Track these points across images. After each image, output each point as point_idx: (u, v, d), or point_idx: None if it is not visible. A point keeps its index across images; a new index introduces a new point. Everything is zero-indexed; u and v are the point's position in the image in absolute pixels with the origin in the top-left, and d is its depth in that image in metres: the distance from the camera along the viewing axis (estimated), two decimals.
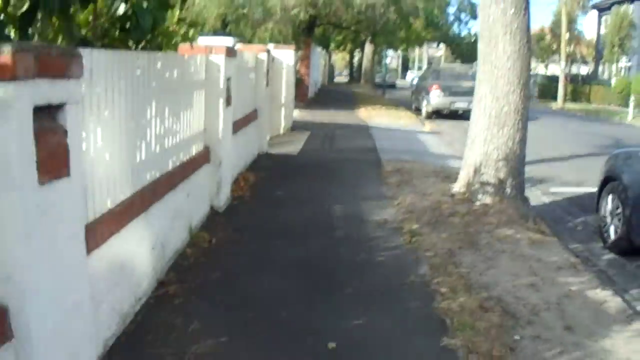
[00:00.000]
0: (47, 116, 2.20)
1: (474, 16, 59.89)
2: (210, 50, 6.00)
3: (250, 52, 9.78)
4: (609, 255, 6.74)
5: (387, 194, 8.04)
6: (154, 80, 4.28)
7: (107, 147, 3.37)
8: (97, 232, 3.05)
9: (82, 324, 2.62)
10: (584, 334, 4.12)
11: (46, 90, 2.17)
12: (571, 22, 49.46)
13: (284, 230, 6.19)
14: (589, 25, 51.79)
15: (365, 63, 45.70)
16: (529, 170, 8.71)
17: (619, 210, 6.64)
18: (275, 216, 6.75)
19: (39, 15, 2.95)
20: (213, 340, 3.67)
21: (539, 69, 55.02)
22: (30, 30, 3.01)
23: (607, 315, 4.50)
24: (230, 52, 6.46)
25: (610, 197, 6.97)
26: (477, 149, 7.50)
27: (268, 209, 7.02)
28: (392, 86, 49.44)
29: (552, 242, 6.35)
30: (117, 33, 4.14)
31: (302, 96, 20.71)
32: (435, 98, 21.51)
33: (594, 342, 3.99)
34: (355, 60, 62.61)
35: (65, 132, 2.31)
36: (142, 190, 4.00)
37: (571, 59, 48.77)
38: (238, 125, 7.76)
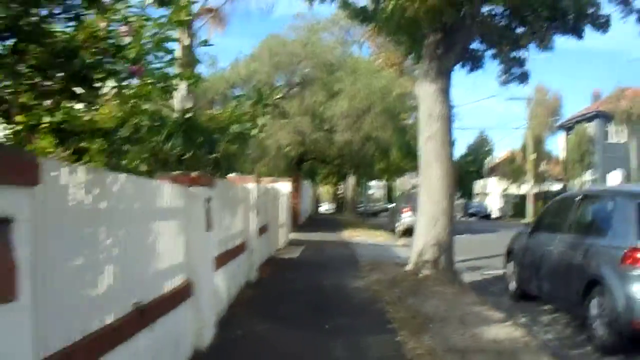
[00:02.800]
0: None
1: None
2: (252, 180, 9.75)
3: (262, 185, 13.52)
4: (508, 299, 10.20)
5: (361, 275, 11.57)
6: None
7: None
8: None
9: None
10: (472, 323, 7.55)
11: None
12: (540, 142, 54.51)
13: (296, 287, 9.77)
14: (559, 144, 56.49)
15: (349, 193, 49.80)
16: (475, 262, 12.24)
17: (512, 269, 10.19)
18: (289, 283, 10.32)
19: None
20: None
21: (511, 188, 59.28)
22: None
23: (490, 320, 7.91)
24: (257, 181, 10.24)
25: (510, 263, 10.51)
26: (420, 239, 11.19)
27: (282, 285, 10.54)
28: (375, 214, 53.06)
29: (468, 294, 9.84)
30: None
31: (295, 221, 24.39)
32: (407, 218, 24.78)
33: (475, 327, 7.40)
34: (339, 191, 66.70)
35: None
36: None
37: (542, 177, 53.37)
38: (261, 231, 11.43)
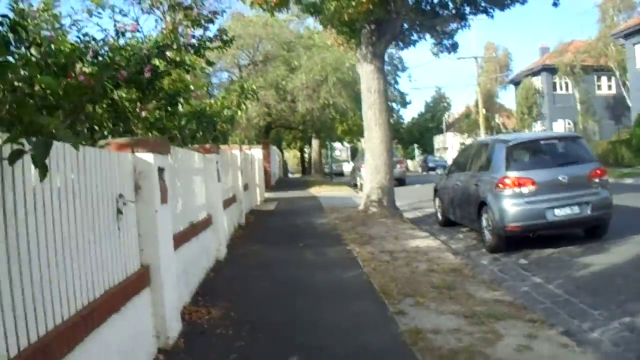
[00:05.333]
0: None
1: (404, 105, 69.11)
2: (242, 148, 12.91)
3: (243, 152, 16.68)
4: (437, 227, 13.60)
5: (325, 216, 14.94)
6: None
7: None
8: None
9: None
10: (403, 238, 10.90)
11: None
12: (492, 97, 58.03)
13: (276, 226, 13.16)
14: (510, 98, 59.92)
15: (314, 156, 52.99)
16: (419, 204, 15.74)
17: (438, 204, 13.61)
18: (270, 223, 13.65)
19: None
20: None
21: (467, 142, 62.85)
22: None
23: (417, 237, 11.25)
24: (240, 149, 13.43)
25: (436, 199, 13.91)
26: (367, 185, 14.58)
27: (265, 225, 13.82)
28: (340, 174, 56.26)
29: (406, 223, 13.26)
30: None
31: (267, 183, 27.53)
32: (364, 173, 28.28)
33: (405, 240, 10.74)
34: (306, 155, 69.67)
35: None
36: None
37: (497, 129, 56.88)
38: (245, 187, 14.64)
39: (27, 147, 2.40)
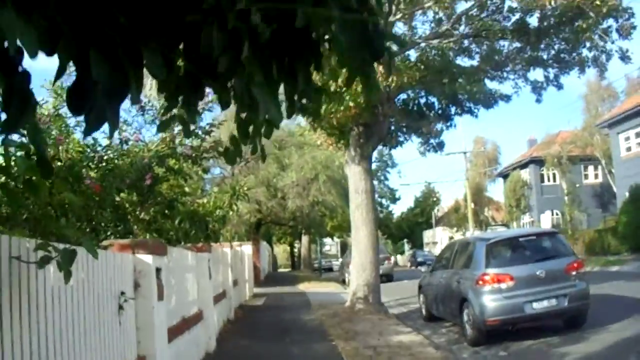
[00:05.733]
0: None
1: (393, 201, 70.18)
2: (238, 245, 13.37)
3: (233, 249, 17.13)
4: (421, 322, 13.93)
5: (312, 312, 15.23)
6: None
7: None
8: None
9: None
10: (387, 334, 11.23)
11: None
12: (481, 191, 59.09)
13: (264, 321, 13.35)
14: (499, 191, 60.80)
15: (303, 252, 53.33)
16: (406, 300, 16.14)
17: (422, 300, 13.98)
18: (258, 319, 13.89)
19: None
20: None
21: (457, 236, 63.39)
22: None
23: (400, 332, 11.59)
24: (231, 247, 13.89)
25: (421, 295, 14.30)
26: (354, 282, 14.98)
27: (254, 320, 14.09)
28: (330, 269, 56.28)
29: (391, 319, 13.59)
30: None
31: (256, 278, 27.80)
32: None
33: (389, 336, 11.07)
34: (296, 250, 69.87)
35: None
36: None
37: (486, 222, 57.63)
38: (235, 283, 14.99)
39: (54, 253, 2.90)
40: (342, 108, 12.89)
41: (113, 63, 1.36)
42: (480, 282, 10.41)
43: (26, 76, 1.42)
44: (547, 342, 9.91)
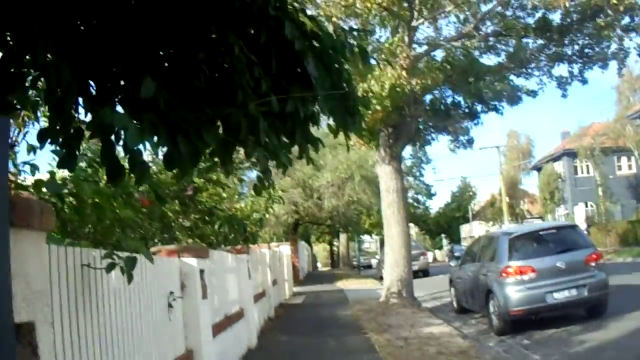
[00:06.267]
0: None
1: (429, 197, 70.29)
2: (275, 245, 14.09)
3: (271, 249, 17.83)
4: (453, 314, 14.44)
5: (348, 308, 15.86)
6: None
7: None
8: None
9: None
10: (418, 326, 11.80)
11: None
12: (516, 184, 59.08)
13: (303, 318, 14.00)
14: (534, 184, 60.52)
15: (342, 249, 54.06)
16: (440, 294, 16.71)
17: (453, 293, 14.50)
18: (297, 316, 14.56)
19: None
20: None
21: (493, 229, 63.21)
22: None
23: (431, 324, 12.13)
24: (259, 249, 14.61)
25: (452, 288, 14.82)
26: (388, 278, 15.56)
27: (293, 317, 14.77)
28: (369, 267, 56.76)
29: (423, 312, 14.13)
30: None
31: (296, 277, 28.52)
32: None
33: (420, 328, 11.63)
34: (335, 249, 70.66)
35: None
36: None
37: (522, 216, 57.57)
38: (274, 283, 15.71)
39: (117, 260, 3.56)
40: (369, 112, 13.46)
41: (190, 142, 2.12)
42: (504, 274, 10.91)
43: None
44: (568, 331, 10.37)
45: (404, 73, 12.73)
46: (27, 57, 2.12)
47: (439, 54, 16.31)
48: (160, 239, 6.82)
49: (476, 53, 16.64)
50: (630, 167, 47.10)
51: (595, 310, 11.17)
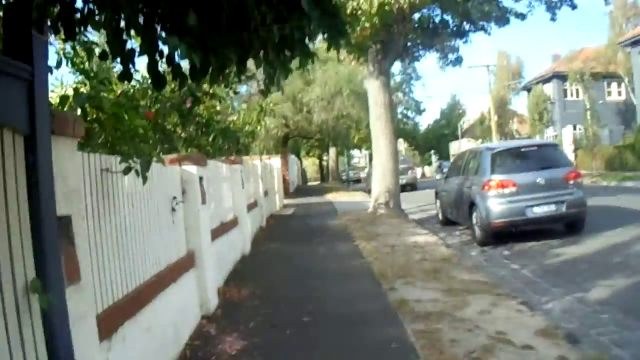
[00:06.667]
0: None
1: (419, 113, 70.52)
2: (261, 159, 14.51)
3: (262, 161, 18.27)
4: (438, 225, 15.10)
5: (337, 218, 16.50)
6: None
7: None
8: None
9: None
10: (404, 235, 12.41)
11: None
12: (505, 104, 59.35)
13: (293, 227, 14.64)
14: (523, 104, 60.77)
15: (331, 164, 54.63)
16: (427, 206, 17.31)
17: (439, 205, 15.10)
18: (288, 225, 15.19)
19: None
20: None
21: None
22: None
23: (417, 234, 12.74)
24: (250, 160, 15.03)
25: (437, 201, 15.41)
26: (375, 189, 16.13)
27: (284, 227, 15.38)
28: (358, 181, 57.55)
29: (409, 222, 14.76)
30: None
31: (286, 190, 29.12)
32: None
33: (406, 237, 12.24)
34: (324, 163, 71.19)
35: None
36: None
37: (511, 135, 58.10)
38: (265, 194, 16.23)
39: (133, 164, 3.95)
40: (358, 28, 13.63)
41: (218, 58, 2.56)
42: (486, 187, 11.42)
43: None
44: (546, 244, 10.95)
45: None
46: None
47: None
48: (161, 149, 7.19)
49: None
50: (620, 93, 47.11)
51: (573, 226, 11.74)
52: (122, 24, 2.64)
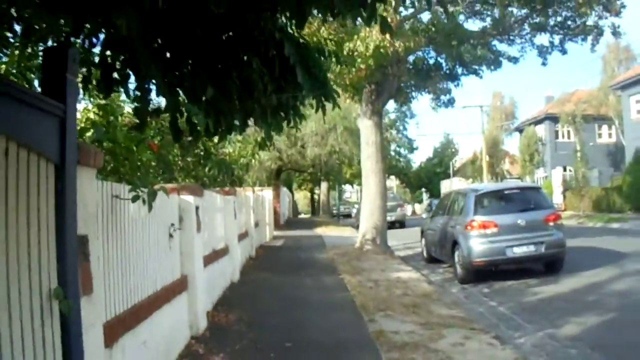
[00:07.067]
0: None
1: (411, 151, 71.19)
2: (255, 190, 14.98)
3: (255, 193, 18.73)
4: (423, 263, 15.53)
5: (325, 252, 16.93)
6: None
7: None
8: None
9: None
10: (389, 271, 12.84)
11: None
12: (497, 144, 60.01)
13: (282, 259, 15.03)
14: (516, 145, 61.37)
15: (322, 198, 55.10)
16: (413, 244, 17.77)
17: (424, 243, 15.57)
18: (277, 257, 15.60)
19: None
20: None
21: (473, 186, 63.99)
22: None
23: (401, 270, 13.18)
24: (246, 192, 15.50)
25: (423, 239, 15.87)
26: (363, 226, 16.61)
27: (272, 258, 15.79)
28: (348, 216, 57.82)
29: (395, 259, 15.21)
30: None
31: (276, 222, 29.52)
32: None
33: (390, 272, 12.67)
34: (316, 197, 71.61)
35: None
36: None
37: (501, 175, 58.68)
38: (256, 225, 16.66)
39: (141, 193, 4.41)
40: (354, 70, 14.25)
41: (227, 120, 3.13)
42: (469, 227, 11.92)
43: None
44: (525, 283, 11.40)
45: (387, 36, 13.40)
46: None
47: (425, 16, 16.99)
48: (162, 178, 7.67)
49: (461, 17, 17.34)
50: (610, 135, 47.81)
51: (552, 266, 12.22)
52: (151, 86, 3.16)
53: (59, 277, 3.03)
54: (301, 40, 3.32)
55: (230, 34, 3.10)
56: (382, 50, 13.89)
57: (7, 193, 2.59)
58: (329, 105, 3.89)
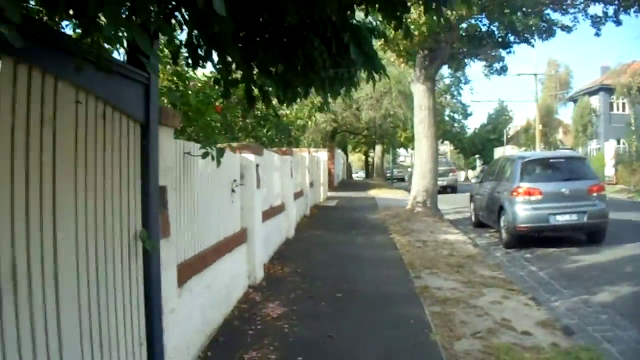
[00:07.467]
0: None
1: (465, 116, 70.46)
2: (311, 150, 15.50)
3: (310, 154, 19.25)
4: (470, 227, 15.85)
5: (377, 213, 17.40)
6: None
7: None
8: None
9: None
10: (437, 233, 13.25)
11: None
12: (551, 113, 58.91)
13: (335, 218, 15.62)
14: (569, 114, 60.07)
15: (376, 161, 55.26)
16: (460, 208, 18.07)
17: (472, 208, 15.86)
18: (330, 216, 16.17)
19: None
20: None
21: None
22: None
23: (449, 232, 13.56)
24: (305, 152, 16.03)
25: (471, 204, 16.16)
26: (414, 188, 16.99)
27: (326, 217, 16.36)
28: (402, 179, 57.83)
29: (444, 222, 15.57)
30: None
31: (330, 183, 30.03)
32: None
33: (438, 234, 13.07)
34: (370, 159, 71.80)
35: None
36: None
37: (554, 145, 57.69)
38: (311, 185, 17.23)
39: (210, 150, 4.93)
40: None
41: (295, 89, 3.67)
42: (514, 193, 12.16)
43: None
44: (566, 251, 11.64)
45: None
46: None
47: None
48: (225, 138, 8.22)
49: None
50: None
51: (594, 236, 12.37)
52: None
53: (143, 221, 3.58)
54: (354, 22, 3.75)
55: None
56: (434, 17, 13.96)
57: (104, 148, 3.12)
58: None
